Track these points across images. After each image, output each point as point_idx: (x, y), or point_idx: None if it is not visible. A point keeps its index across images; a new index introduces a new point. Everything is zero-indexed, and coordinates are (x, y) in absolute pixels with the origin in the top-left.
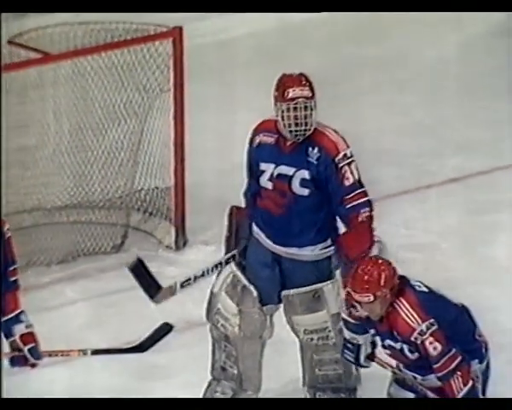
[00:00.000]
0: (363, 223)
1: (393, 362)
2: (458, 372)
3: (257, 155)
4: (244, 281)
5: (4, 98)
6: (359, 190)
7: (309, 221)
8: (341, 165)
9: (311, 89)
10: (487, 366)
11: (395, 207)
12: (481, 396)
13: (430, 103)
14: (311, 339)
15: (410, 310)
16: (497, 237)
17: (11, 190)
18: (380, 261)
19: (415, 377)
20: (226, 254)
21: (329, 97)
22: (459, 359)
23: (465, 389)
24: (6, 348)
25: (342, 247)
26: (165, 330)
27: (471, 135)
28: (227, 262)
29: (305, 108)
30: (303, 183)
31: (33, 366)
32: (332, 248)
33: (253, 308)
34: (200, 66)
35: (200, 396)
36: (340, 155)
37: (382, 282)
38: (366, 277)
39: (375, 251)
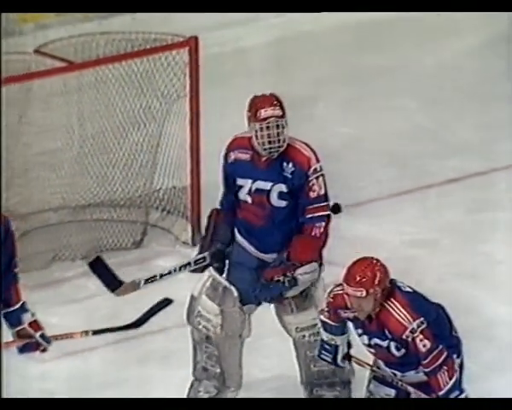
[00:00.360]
0: (314, 237)
1: (370, 361)
2: (444, 367)
3: (233, 171)
4: (224, 282)
5: (29, 104)
6: (321, 204)
7: (288, 229)
8: (310, 178)
9: (282, 108)
10: (462, 361)
11: (398, 206)
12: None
13: (430, 108)
14: (303, 336)
15: (402, 310)
16: (493, 234)
17: (38, 189)
18: (376, 262)
19: (394, 374)
20: (199, 254)
21: (337, 102)
22: (445, 354)
23: (450, 383)
24: (8, 337)
25: (295, 252)
26: (162, 304)
27: (469, 138)
28: (196, 263)
29: (277, 126)
30: (281, 196)
31: (44, 350)
32: None
33: (233, 308)
34: (216, 73)
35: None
36: (311, 170)
37: (376, 281)
38: (362, 273)
39: (309, 269)
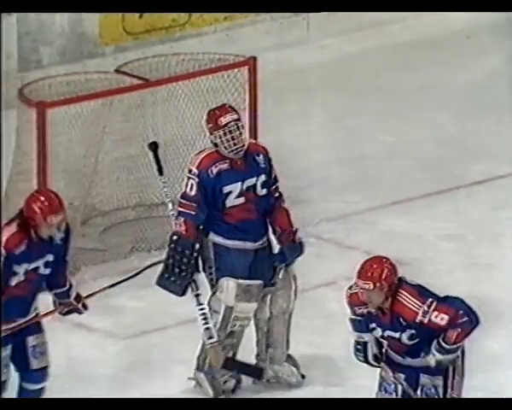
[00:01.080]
0: (285, 209)
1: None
2: (466, 320)
3: (219, 182)
4: (248, 282)
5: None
6: (277, 183)
7: (264, 213)
8: (271, 163)
9: (236, 112)
10: (463, 347)
11: (431, 204)
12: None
13: (460, 120)
14: (284, 313)
15: (411, 298)
16: None
17: (118, 189)
18: (386, 260)
19: (398, 350)
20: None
21: (379, 114)
22: (463, 314)
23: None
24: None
25: (275, 222)
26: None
27: (493, 145)
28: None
29: (237, 127)
30: (263, 185)
31: (80, 313)
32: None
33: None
34: (274, 89)
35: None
36: (269, 156)
37: (384, 276)
38: (371, 269)
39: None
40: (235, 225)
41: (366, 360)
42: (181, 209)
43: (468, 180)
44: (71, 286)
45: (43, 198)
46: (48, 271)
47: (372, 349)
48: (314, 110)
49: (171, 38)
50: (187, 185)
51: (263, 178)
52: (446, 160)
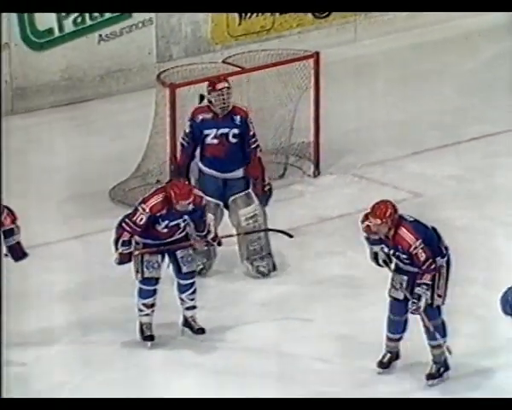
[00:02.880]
0: (259, 158)
1: (393, 266)
2: (431, 267)
3: (201, 126)
4: (208, 199)
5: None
6: (256, 138)
7: (237, 156)
8: (248, 122)
9: (228, 82)
10: (448, 260)
11: (440, 154)
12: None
13: (462, 95)
14: (248, 224)
15: (408, 234)
16: None
17: None
18: (389, 202)
19: (403, 263)
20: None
21: (407, 93)
22: (433, 262)
23: (428, 278)
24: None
25: (249, 172)
26: (286, 233)
27: (486, 113)
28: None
29: (227, 93)
30: (234, 136)
31: (219, 244)
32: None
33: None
34: (332, 74)
35: None
36: (249, 119)
37: (388, 214)
38: (379, 209)
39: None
40: (209, 158)
41: (377, 263)
42: (181, 141)
43: (467, 137)
44: (209, 232)
45: (177, 187)
46: (186, 225)
47: (381, 256)
48: (360, 89)
49: (260, 38)
50: (185, 128)
51: (235, 131)
52: (452, 123)
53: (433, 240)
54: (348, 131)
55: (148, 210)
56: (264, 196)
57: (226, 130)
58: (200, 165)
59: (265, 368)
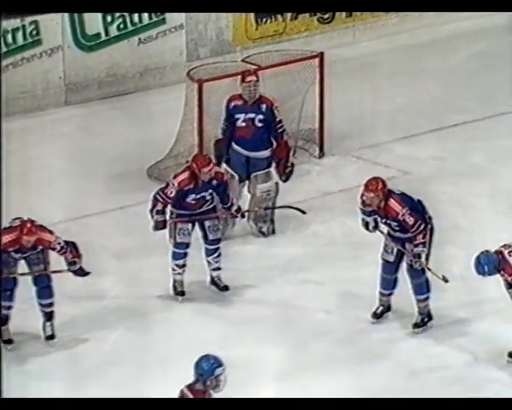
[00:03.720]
0: (285, 142)
1: (385, 230)
2: (421, 228)
3: (233, 111)
4: (232, 173)
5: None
6: (281, 124)
7: (262, 138)
8: (274, 110)
9: (257, 76)
10: (432, 228)
11: (426, 138)
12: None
13: (446, 87)
14: (262, 196)
15: (396, 204)
16: None
17: None
18: (379, 178)
19: (394, 231)
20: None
21: (399, 88)
22: (421, 224)
23: (421, 237)
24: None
25: (275, 153)
26: (299, 210)
27: (466, 103)
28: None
29: (255, 85)
30: (260, 121)
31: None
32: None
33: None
34: (334, 71)
35: None
36: (274, 106)
37: (379, 188)
38: (371, 185)
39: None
40: (238, 138)
41: (368, 229)
42: (222, 126)
43: (448, 124)
44: (232, 204)
45: (198, 159)
46: (212, 198)
47: (371, 224)
48: (358, 84)
49: (274, 41)
50: (223, 115)
51: (260, 117)
52: (436, 112)
53: (418, 210)
54: (348, 119)
55: (176, 184)
56: (286, 175)
57: (253, 115)
58: (232, 143)
59: (277, 318)
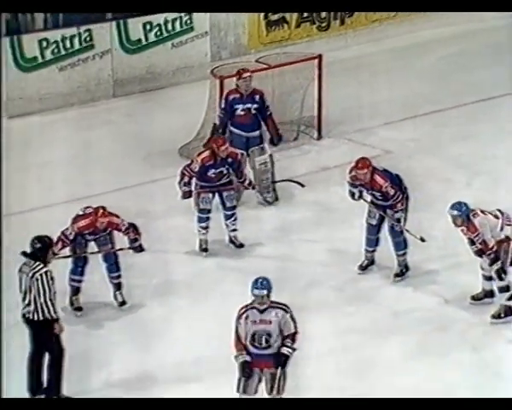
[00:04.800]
0: (272, 120)
1: (369, 198)
2: (399, 197)
3: (232, 102)
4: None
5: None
6: (268, 108)
7: (256, 122)
8: (264, 99)
9: (250, 72)
10: (407, 196)
11: (403, 125)
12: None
13: (423, 83)
14: (260, 167)
15: (380, 178)
16: None
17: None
18: (366, 158)
19: (377, 200)
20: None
21: (388, 83)
22: (400, 194)
23: (399, 206)
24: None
25: (268, 128)
26: (298, 183)
27: (436, 96)
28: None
29: (249, 80)
30: (255, 109)
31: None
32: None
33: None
34: (330, 69)
35: None
36: (264, 97)
37: (366, 165)
38: (359, 163)
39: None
40: (238, 124)
41: (353, 198)
42: (219, 114)
43: (423, 112)
44: (245, 179)
45: (216, 140)
46: (228, 173)
47: (356, 194)
48: (350, 80)
49: (281, 45)
50: (221, 105)
51: (255, 106)
52: (412, 102)
53: (396, 183)
54: (341, 109)
55: (199, 161)
56: (278, 137)
57: (249, 105)
58: (232, 128)
59: (282, 269)
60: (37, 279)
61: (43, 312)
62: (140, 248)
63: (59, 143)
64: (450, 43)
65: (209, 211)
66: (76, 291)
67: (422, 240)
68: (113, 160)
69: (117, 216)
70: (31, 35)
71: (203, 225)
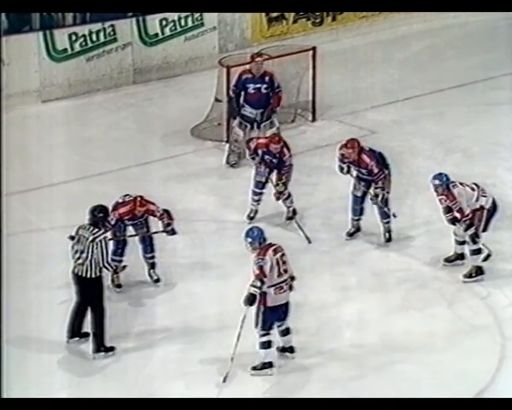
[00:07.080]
0: (279, 97)
1: (354, 173)
2: (381, 176)
3: (244, 82)
4: (247, 124)
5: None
6: (279, 89)
7: (266, 100)
8: (273, 79)
9: (262, 57)
10: (389, 171)
11: (389, 108)
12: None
13: (407, 69)
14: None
15: (366, 157)
16: None
17: None
18: (355, 139)
19: (363, 175)
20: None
21: (378, 71)
22: (381, 171)
23: (380, 183)
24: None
25: (274, 100)
26: None
27: (421, 82)
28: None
29: (261, 63)
30: (265, 87)
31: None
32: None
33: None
34: (323, 60)
35: None
36: (274, 76)
37: (356, 145)
38: (348, 143)
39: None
40: (250, 101)
41: (342, 172)
42: (231, 92)
43: (404, 97)
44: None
45: (272, 139)
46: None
47: (345, 169)
48: (340, 69)
49: (280, 38)
50: (233, 83)
51: (265, 85)
52: (394, 88)
53: (380, 160)
54: (333, 94)
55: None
56: (273, 112)
57: (259, 85)
58: (244, 104)
59: (278, 235)
60: (97, 243)
61: (100, 270)
62: (172, 232)
63: (87, 124)
64: (427, 36)
65: (263, 184)
66: (116, 270)
67: (394, 216)
68: (133, 139)
69: (153, 203)
70: (62, 30)
71: (255, 197)
